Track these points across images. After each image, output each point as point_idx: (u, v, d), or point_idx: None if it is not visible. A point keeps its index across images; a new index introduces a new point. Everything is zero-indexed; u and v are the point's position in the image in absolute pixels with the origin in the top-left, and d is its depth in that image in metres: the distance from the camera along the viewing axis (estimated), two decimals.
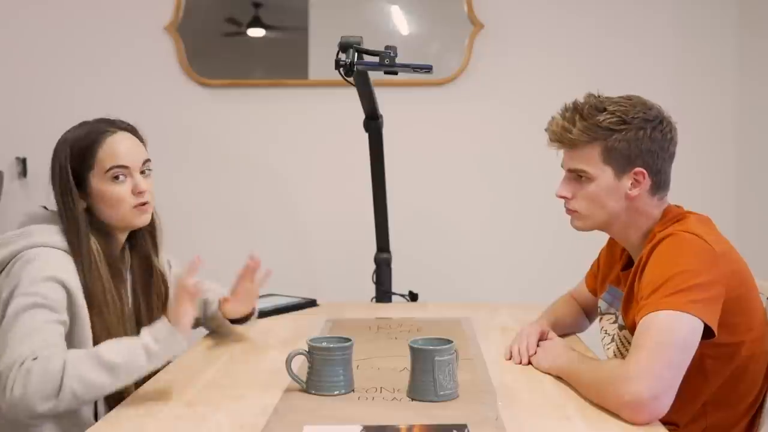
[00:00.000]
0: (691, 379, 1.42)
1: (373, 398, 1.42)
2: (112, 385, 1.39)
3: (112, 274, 1.61)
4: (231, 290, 1.84)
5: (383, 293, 2.57)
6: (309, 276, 3.14)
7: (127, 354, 1.40)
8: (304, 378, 1.46)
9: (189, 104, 3.12)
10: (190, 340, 1.51)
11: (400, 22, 3.17)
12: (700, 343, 1.37)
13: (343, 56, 2.02)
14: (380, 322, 2.08)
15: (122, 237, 1.68)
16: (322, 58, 3.05)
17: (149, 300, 1.72)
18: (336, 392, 1.43)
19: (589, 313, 1.94)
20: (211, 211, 3.07)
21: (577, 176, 1.57)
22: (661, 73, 3.09)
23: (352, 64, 2.00)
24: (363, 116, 2.37)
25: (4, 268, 1.52)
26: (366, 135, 2.41)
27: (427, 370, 1.39)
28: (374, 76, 2.19)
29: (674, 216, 1.56)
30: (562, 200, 1.62)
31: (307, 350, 1.46)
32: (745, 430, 1.57)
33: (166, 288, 1.76)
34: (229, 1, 3.20)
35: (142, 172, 1.64)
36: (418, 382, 1.41)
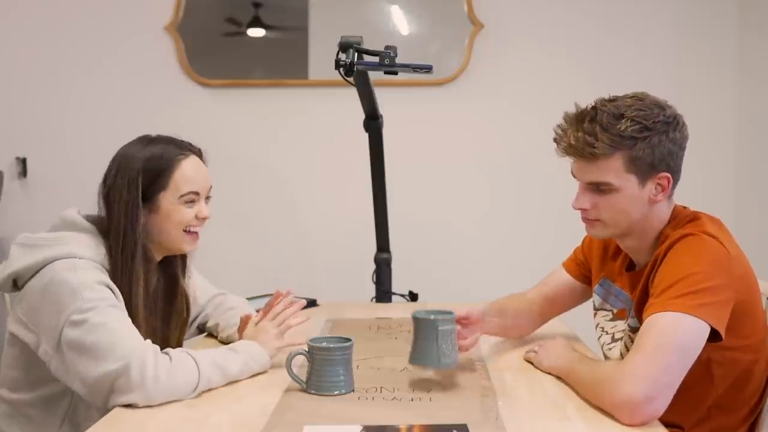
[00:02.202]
0: (698, 382, 1.42)
1: (373, 398, 1.42)
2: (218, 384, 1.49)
3: (144, 296, 1.61)
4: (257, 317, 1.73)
5: (383, 293, 2.57)
6: (309, 276, 3.14)
7: (243, 365, 1.53)
8: (304, 378, 1.46)
9: (189, 104, 3.12)
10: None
11: (400, 22, 3.17)
12: (707, 347, 1.36)
13: (343, 56, 2.02)
14: (380, 322, 2.08)
15: (158, 258, 1.69)
16: (322, 58, 3.04)
17: (169, 318, 1.73)
18: (336, 392, 1.43)
19: (559, 304, 1.87)
20: (210, 210, 3.07)
21: (597, 188, 1.51)
22: (661, 73, 3.08)
23: (352, 64, 2.00)
24: (363, 116, 2.37)
25: (36, 273, 1.51)
26: (366, 135, 2.41)
27: (431, 339, 1.45)
28: (374, 76, 2.19)
29: (685, 216, 1.54)
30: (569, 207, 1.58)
31: (307, 350, 1.46)
32: None
33: (188, 309, 1.78)
34: (229, 1, 3.20)
35: (206, 198, 1.69)
36: (421, 350, 1.46)
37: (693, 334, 1.34)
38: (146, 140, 1.66)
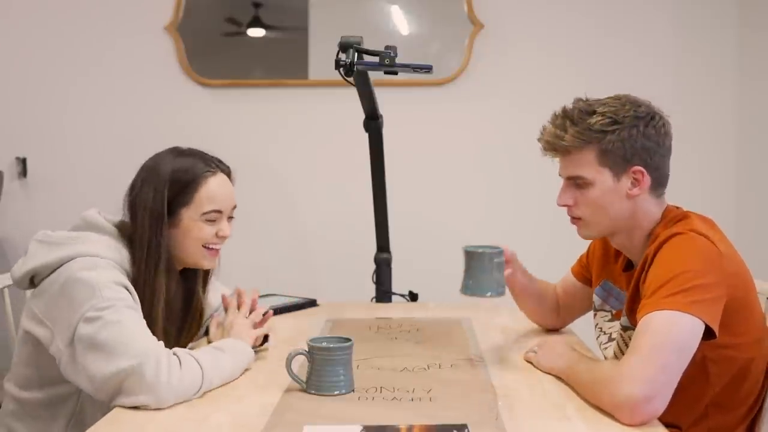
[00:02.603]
0: (694, 382, 1.42)
1: (373, 398, 1.42)
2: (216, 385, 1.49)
3: (165, 306, 1.60)
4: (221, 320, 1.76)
5: (383, 293, 2.57)
6: (309, 276, 3.14)
7: (233, 362, 1.53)
8: (304, 378, 1.46)
9: (189, 104, 3.12)
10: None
11: (400, 22, 3.17)
12: (702, 346, 1.37)
13: (343, 56, 2.01)
14: (380, 322, 2.08)
15: (179, 268, 1.68)
16: (322, 58, 3.05)
17: (183, 326, 1.73)
18: (336, 392, 1.43)
19: (568, 302, 1.90)
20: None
21: (575, 183, 1.56)
22: (661, 73, 3.08)
23: (352, 64, 2.00)
24: (363, 116, 2.37)
25: (54, 270, 1.50)
26: (366, 135, 2.41)
27: (488, 270, 1.60)
28: (374, 76, 2.19)
29: (675, 216, 1.55)
30: (565, 208, 1.60)
31: (307, 350, 1.46)
32: (747, 431, 1.57)
33: (199, 325, 1.79)
34: (229, 1, 3.20)
35: (228, 217, 1.68)
36: (478, 280, 1.60)
37: (688, 332, 1.34)
38: (176, 152, 1.66)
